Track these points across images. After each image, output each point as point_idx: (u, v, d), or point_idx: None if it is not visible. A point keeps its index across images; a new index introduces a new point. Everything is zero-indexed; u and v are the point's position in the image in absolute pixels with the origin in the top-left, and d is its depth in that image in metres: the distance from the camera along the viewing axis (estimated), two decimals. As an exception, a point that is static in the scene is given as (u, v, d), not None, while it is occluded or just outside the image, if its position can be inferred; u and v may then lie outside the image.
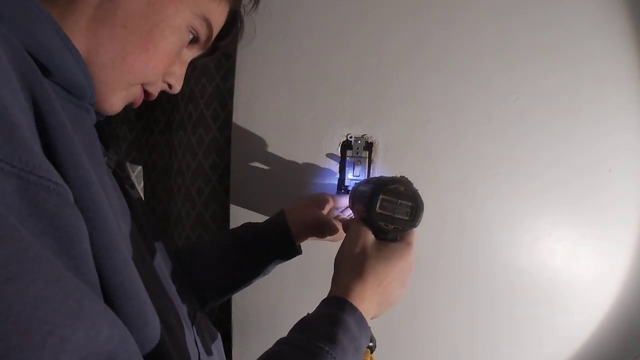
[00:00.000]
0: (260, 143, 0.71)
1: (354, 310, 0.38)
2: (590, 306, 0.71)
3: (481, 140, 0.68)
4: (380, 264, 0.41)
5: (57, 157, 0.24)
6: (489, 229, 0.70)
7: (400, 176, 0.44)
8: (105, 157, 0.37)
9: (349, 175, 0.68)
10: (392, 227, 0.42)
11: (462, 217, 0.69)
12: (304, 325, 0.37)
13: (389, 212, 0.42)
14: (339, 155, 0.69)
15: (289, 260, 0.61)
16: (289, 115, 0.70)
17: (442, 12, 0.66)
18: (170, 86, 0.42)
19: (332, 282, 0.43)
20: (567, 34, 0.65)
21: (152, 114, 0.84)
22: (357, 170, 0.67)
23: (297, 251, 0.58)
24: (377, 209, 0.42)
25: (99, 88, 0.34)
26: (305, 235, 0.59)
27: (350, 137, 0.69)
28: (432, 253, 0.71)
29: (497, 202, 0.69)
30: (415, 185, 0.43)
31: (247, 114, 0.70)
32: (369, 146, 0.68)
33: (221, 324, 0.78)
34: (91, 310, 0.21)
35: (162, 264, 0.42)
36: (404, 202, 0.42)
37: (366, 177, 0.68)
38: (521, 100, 0.66)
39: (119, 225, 0.30)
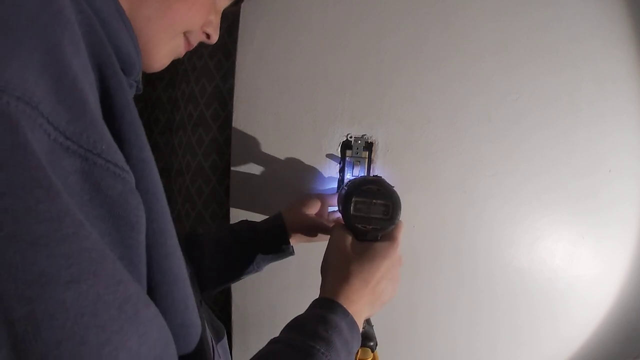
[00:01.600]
0: (260, 143, 0.71)
1: (346, 313, 0.38)
2: (590, 306, 0.71)
3: (481, 140, 0.68)
4: (365, 265, 0.41)
5: (122, 136, 0.23)
6: (489, 229, 0.70)
7: (374, 176, 0.44)
8: None
9: (348, 175, 0.68)
10: (370, 227, 0.42)
11: (462, 217, 0.69)
12: (297, 325, 0.37)
13: (363, 214, 0.42)
14: (339, 155, 0.69)
15: (289, 261, 0.61)
16: (289, 115, 0.70)
17: (442, 11, 0.66)
18: (208, 36, 0.42)
19: (320, 290, 0.42)
20: (567, 34, 0.65)
21: (152, 114, 0.83)
22: (357, 170, 0.67)
23: (290, 252, 0.60)
24: (351, 211, 0.42)
25: (146, 46, 0.33)
26: (300, 237, 0.60)
27: (350, 137, 0.69)
28: (432, 253, 0.71)
29: (497, 202, 0.69)
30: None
31: (247, 114, 0.70)
32: (369, 146, 0.68)
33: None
34: (145, 315, 0.21)
35: None
36: (378, 201, 0.42)
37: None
38: (521, 100, 0.66)
39: None
